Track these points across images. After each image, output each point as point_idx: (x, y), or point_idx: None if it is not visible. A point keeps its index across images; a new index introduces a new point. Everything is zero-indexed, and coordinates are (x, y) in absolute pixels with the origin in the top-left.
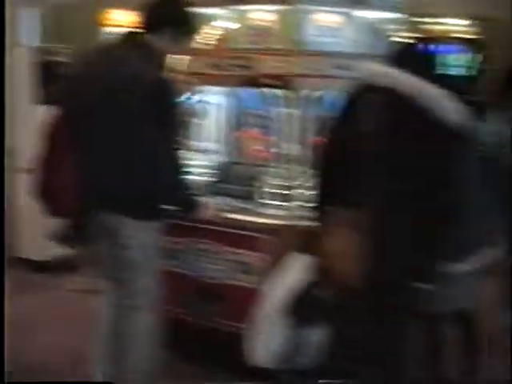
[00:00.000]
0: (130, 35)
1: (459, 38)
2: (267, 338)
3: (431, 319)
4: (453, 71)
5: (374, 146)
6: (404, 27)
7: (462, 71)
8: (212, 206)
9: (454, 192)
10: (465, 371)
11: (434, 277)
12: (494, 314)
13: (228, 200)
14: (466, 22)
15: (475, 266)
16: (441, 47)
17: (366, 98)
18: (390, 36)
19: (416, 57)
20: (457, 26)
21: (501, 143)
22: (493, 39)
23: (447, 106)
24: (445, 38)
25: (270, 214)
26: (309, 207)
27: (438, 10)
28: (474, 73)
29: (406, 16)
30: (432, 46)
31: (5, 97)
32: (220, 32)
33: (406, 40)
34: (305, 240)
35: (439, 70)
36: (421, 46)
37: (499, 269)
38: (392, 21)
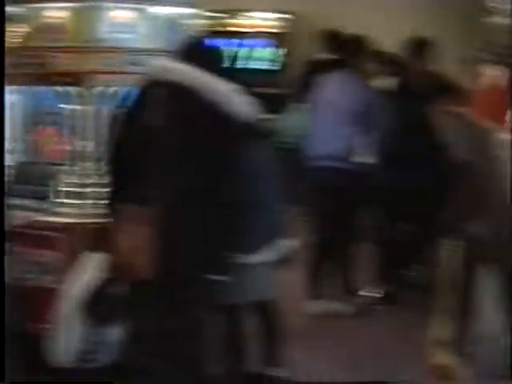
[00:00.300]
0: None
1: (264, 32)
2: (66, 338)
3: (230, 311)
4: (257, 65)
5: (164, 141)
6: (204, 22)
7: (266, 65)
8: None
9: (246, 185)
10: (266, 362)
11: (228, 269)
12: (297, 304)
13: (25, 201)
14: (271, 17)
15: (271, 257)
16: (246, 41)
17: (153, 93)
18: (185, 31)
19: (204, 51)
20: (261, 20)
21: (299, 135)
22: (295, 33)
23: (236, 100)
24: (250, 33)
25: (65, 212)
26: (102, 204)
27: (243, 5)
28: (277, 66)
29: (204, 11)
30: (236, 40)
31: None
32: (16, 30)
33: (197, 35)
34: (98, 237)
35: (243, 64)
36: (210, 40)
37: (297, 259)
38: (190, 16)
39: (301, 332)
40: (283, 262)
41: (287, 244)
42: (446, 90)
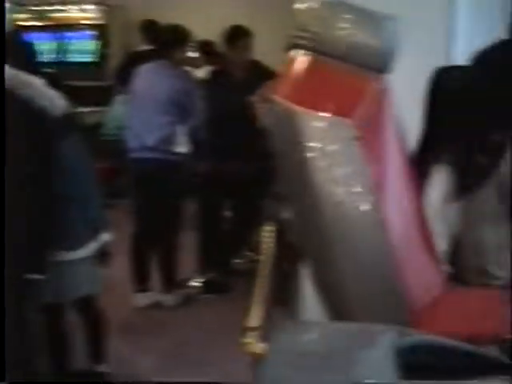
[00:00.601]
0: None
1: (84, 25)
2: None
3: (52, 310)
4: (78, 57)
5: None
6: (18, 16)
7: (87, 57)
8: None
9: (62, 180)
10: (92, 359)
11: (47, 267)
12: (123, 298)
13: None
14: (90, 8)
15: (91, 252)
16: (66, 34)
17: None
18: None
19: (14, 46)
20: (81, 12)
21: (122, 127)
22: (116, 25)
23: (48, 95)
24: (70, 25)
25: None
26: None
27: None
28: (99, 58)
29: (21, 4)
30: (56, 34)
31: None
32: None
33: (9, 29)
34: None
35: (63, 57)
36: (28, 34)
37: (119, 253)
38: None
39: (127, 326)
40: (104, 256)
41: (108, 238)
42: (263, 78)
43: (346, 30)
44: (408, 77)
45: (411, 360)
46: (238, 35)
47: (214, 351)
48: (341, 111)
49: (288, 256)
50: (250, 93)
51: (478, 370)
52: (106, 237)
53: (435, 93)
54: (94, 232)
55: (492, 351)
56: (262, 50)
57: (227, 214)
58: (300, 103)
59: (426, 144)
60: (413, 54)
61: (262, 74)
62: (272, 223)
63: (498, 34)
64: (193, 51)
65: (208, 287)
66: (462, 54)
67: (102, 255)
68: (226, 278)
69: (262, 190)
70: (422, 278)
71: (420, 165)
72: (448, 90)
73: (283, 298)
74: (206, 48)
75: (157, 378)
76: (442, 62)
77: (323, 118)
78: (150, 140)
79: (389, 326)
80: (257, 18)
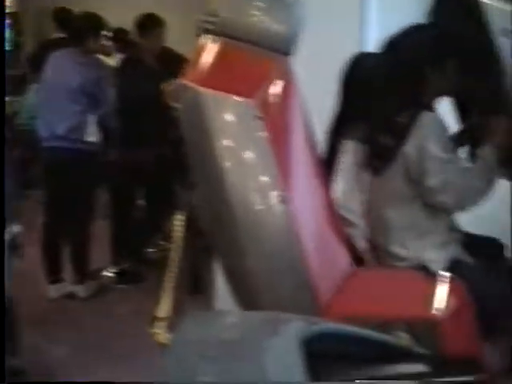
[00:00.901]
0: None
1: None
2: None
3: None
4: None
5: None
6: None
7: None
8: None
9: None
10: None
11: None
12: (35, 290)
13: None
14: None
15: None
16: None
17: None
18: None
19: None
20: None
21: (35, 116)
22: (29, 12)
23: None
24: None
25: None
26: None
27: None
28: (11, 46)
29: None
30: None
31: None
32: None
33: None
34: None
35: None
36: None
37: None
38: None
39: (40, 318)
40: (16, 247)
41: (19, 229)
42: (174, 65)
43: (254, 16)
44: (320, 62)
45: (320, 348)
46: (150, 23)
47: (127, 342)
48: (244, 92)
49: (200, 245)
50: (161, 80)
51: (388, 358)
52: (16, 228)
53: (349, 79)
54: (4, 222)
55: (403, 338)
56: (175, 38)
57: (140, 202)
58: (206, 86)
59: (337, 125)
60: (325, 40)
61: (173, 61)
62: (183, 211)
63: (415, 20)
64: (104, 39)
65: (121, 277)
66: (375, 41)
67: (13, 247)
68: (140, 268)
69: (175, 178)
70: (332, 267)
71: (330, 145)
72: (361, 76)
73: (197, 287)
74: (118, 36)
75: (70, 369)
76: (355, 48)
77: (227, 99)
78: (60, 129)
79: (296, 315)
80: (169, 5)
